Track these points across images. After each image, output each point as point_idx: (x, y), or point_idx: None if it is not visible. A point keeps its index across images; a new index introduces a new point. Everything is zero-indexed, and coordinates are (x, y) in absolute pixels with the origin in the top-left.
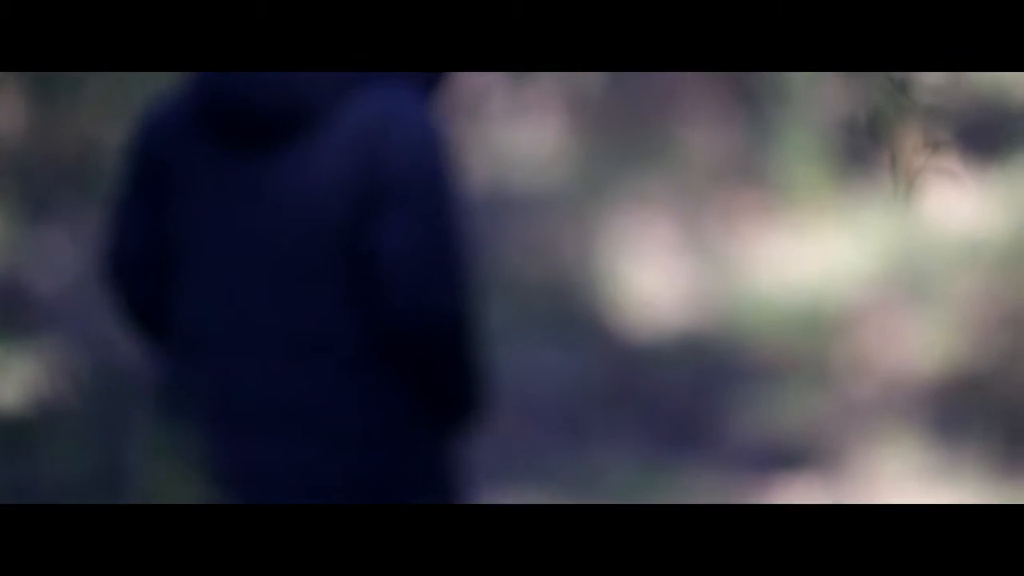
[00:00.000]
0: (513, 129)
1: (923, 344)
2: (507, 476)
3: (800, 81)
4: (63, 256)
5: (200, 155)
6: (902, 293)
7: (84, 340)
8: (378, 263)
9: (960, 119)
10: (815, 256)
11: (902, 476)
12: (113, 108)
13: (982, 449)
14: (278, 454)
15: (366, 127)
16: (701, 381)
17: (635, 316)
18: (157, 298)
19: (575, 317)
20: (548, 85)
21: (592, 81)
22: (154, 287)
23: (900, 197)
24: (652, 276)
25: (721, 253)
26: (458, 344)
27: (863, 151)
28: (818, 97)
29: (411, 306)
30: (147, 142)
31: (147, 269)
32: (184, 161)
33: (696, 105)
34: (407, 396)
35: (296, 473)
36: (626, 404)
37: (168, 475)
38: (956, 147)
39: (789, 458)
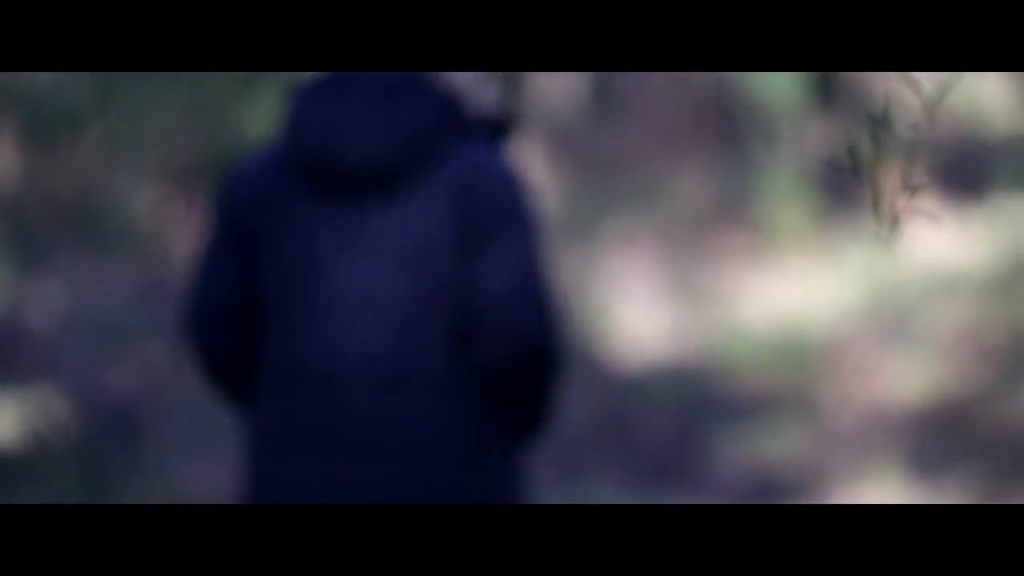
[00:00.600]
0: None
1: (904, 377)
2: None
3: (784, 118)
4: (58, 300)
5: (294, 204)
6: (884, 328)
7: (78, 382)
8: (479, 300)
9: (940, 154)
10: (798, 292)
11: None
12: (110, 155)
13: (963, 481)
14: (382, 478)
15: (461, 176)
16: (686, 415)
17: (622, 351)
18: (240, 348)
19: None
20: (534, 124)
21: (577, 121)
22: (238, 337)
23: (883, 236)
24: (639, 312)
25: (706, 289)
26: (548, 373)
27: (846, 189)
28: (802, 135)
29: (511, 339)
30: (237, 197)
31: (232, 321)
32: (277, 216)
33: (682, 144)
34: (497, 419)
35: (398, 495)
36: (612, 438)
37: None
38: (936, 184)
39: (773, 490)
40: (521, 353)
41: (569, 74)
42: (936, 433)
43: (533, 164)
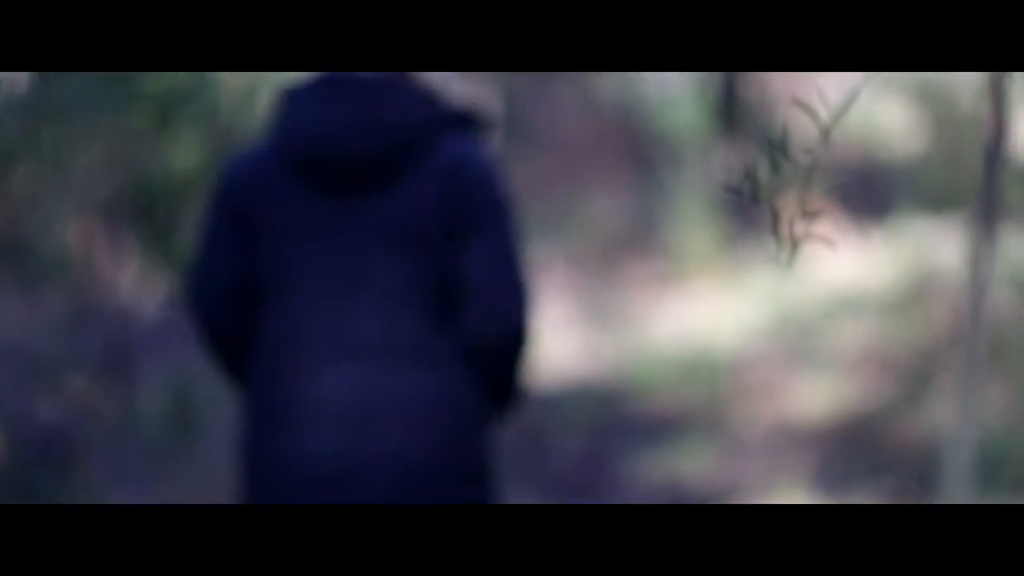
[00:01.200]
0: None
1: (809, 395)
2: None
3: (690, 145)
4: None
5: (290, 197)
6: (789, 347)
7: (5, 411)
8: (464, 282)
9: (841, 177)
10: (707, 314)
11: None
12: (37, 188)
13: (868, 495)
14: (374, 446)
15: (444, 169)
16: (599, 434)
17: (536, 372)
18: (240, 326)
19: None
20: None
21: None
22: (239, 316)
23: (782, 259)
24: (552, 335)
25: (617, 313)
26: (521, 351)
27: (753, 212)
28: (708, 161)
29: (490, 318)
30: (234, 187)
31: (234, 300)
32: (273, 203)
33: (592, 171)
34: (477, 393)
35: (390, 461)
36: (527, 457)
37: None
38: (838, 206)
39: (683, 502)
40: (500, 331)
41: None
42: (841, 449)
43: None
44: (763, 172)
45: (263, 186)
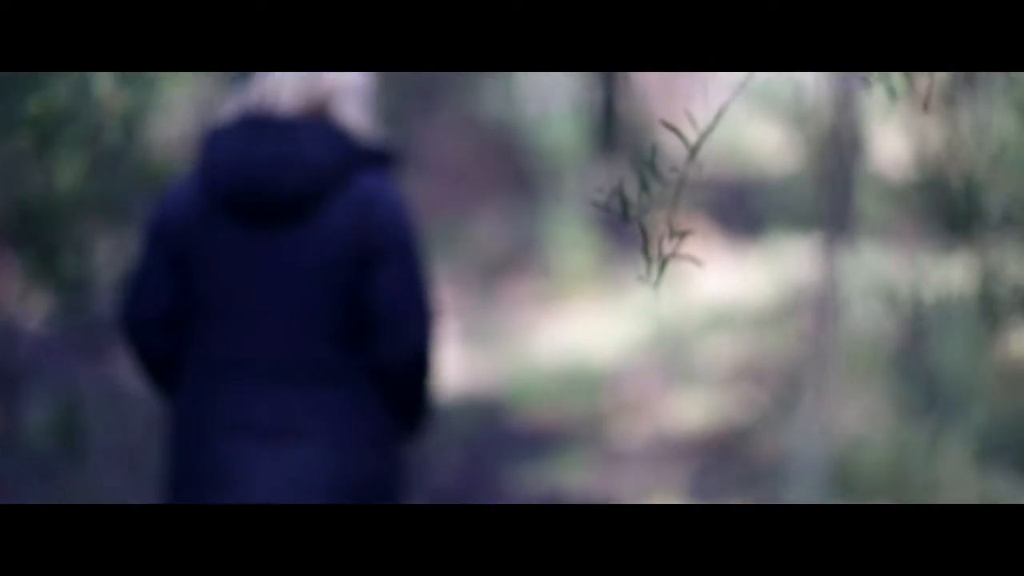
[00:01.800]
0: None
1: (686, 408)
2: None
3: (569, 164)
4: None
5: (216, 230)
6: (666, 362)
7: None
8: (373, 310)
9: (715, 195)
10: (586, 331)
11: None
12: None
13: (741, 500)
14: (287, 460)
15: (357, 203)
16: (481, 448)
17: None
18: (170, 349)
19: None
20: None
21: None
22: (169, 340)
23: (650, 279)
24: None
25: (499, 331)
26: (427, 371)
27: (630, 231)
28: (587, 180)
29: (399, 344)
30: (165, 219)
31: (164, 325)
32: (201, 235)
33: (473, 192)
34: (387, 411)
35: (302, 474)
36: (411, 468)
37: None
38: (713, 224)
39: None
40: (408, 354)
41: None
42: (716, 460)
43: None
44: (632, 190)
45: (192, 219)
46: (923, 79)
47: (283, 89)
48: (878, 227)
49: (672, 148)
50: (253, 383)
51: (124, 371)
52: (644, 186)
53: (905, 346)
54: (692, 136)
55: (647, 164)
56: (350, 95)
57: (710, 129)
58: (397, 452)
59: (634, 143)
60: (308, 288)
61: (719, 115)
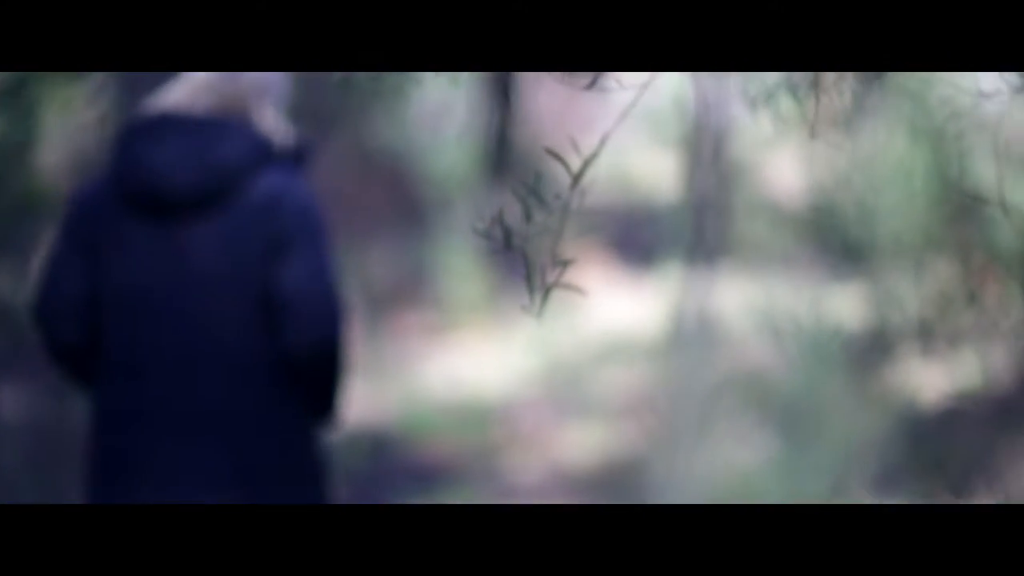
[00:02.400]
0: None
1: (579, 439)
2: None
3: (460, 192)
4: None
5: (127, 224)
6: (558, 393)
7: None
8: (279, 300)
9: (606, 223)
10: (478, 363)
11: None
12: None
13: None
14: (200, 449)
15: (264, 199)
16: (370, 479)
17: None
18: (81, 338)
19: None
20: None
21: None
22: (80, 330)
23: (533, 309)
24: None
25: (390, 363)
26: (336, 362)
27: (519, 260)
28: (478, 208)
29: (305, 333)
30: (79, 212)
31: (75, 315)
32: (112, 229)
33: (364, 222)
34: (298, 401)
35: (215, 462)
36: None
37: None
38: (602, 253)
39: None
40: (316, 341)
41: None
42: (609, 491)
43: None
44: (516, 218)
45: (103, 214)
46: (810, 105)
47: (200, 88)
48: (771, 255)
49: (562, 175)
50: (164, 376)
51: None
52: (527, 214)
53: (795, 376)
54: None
55: (530, 192)
56: (266, 95)
57: (593, 156)
58: (309, 443)
59: (527, 170)
60: (215, 282)
61: (602, 142)
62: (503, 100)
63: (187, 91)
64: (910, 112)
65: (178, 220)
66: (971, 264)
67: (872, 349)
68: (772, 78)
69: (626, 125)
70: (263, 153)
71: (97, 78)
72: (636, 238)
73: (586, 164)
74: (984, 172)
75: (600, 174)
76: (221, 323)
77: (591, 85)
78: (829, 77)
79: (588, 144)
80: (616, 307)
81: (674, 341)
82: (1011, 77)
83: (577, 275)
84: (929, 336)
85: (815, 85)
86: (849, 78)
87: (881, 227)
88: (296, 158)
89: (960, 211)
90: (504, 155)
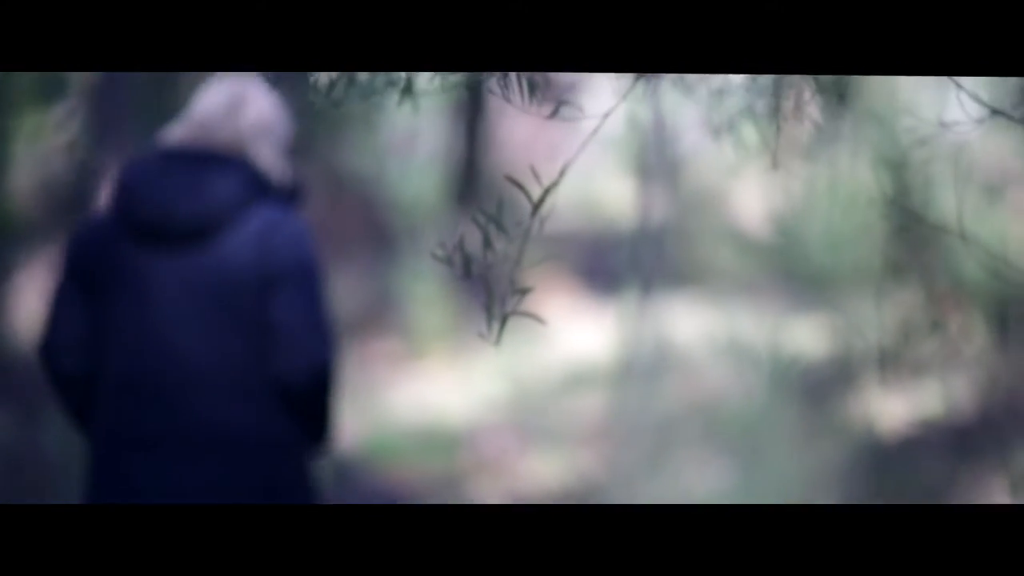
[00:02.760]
0: None
1: (544, 465)
2: None
3: (427, 218)
4: None
5: (127, 257)
6: (523, 420)
7: None
8: (274, 328)
9: (574, 247)
10: (444, 389)
11: None
12: None
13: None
14: (197, 469)
15: (258, 232)
16: (342, 502)
17: None
18: (85, 369)
19: None
20: None
21: None
22: (83, 361)
23: (492, 337)
24: None
25: (358, 390)
26: (328, 387)
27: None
28: (445, 235)
29: (298, 359)
30: (80, 249)
31: (79, 349)
32: (113, 262)
33: (336, 248)
34: (291, 423)
35: (211, 482)
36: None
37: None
38: (566, 279)
39: None
40: (308, 369)
41: None
42: (571, 504)
43: None
44: (478, 246)
45: (104, 249)
46: (771, 135)
47: (200, 127)
48: (733, 283)
49: (526, 203)
50: (163, 400)
51: None
52: (487, 242)
53: (755, 404)
54: (552, 191)
55: (490, 219)
56: (266, 135)
57: (553, 184)
58: (300, 465)
59: (494, 197)
60: (211, 310)
61: (563, 172)
62: (470, 127)
63: (188, 129)
64: (873, 140)
65: (176, 252)
66: (933, 293)
67: (833, 378)
68: (735, 106)
69: (591, 152)
70: (258, 189)
71: (66, 104)
72: (600, 265)
73: (546, 192)
74: (946, 201)
75: (565, 201)
76: (217, 349)
77: (553, 114)
78: (790, 104)
79: (553, 171)
80: (579, 334)
81: (634, 368)
82: (972, 108)
83: (539, 302)
84: (891, 365)
85: (776, 112)
86: (811, 105)
87: (843, 255)
88: (291, 194)
89: (922, 240)
90: (471, 182)
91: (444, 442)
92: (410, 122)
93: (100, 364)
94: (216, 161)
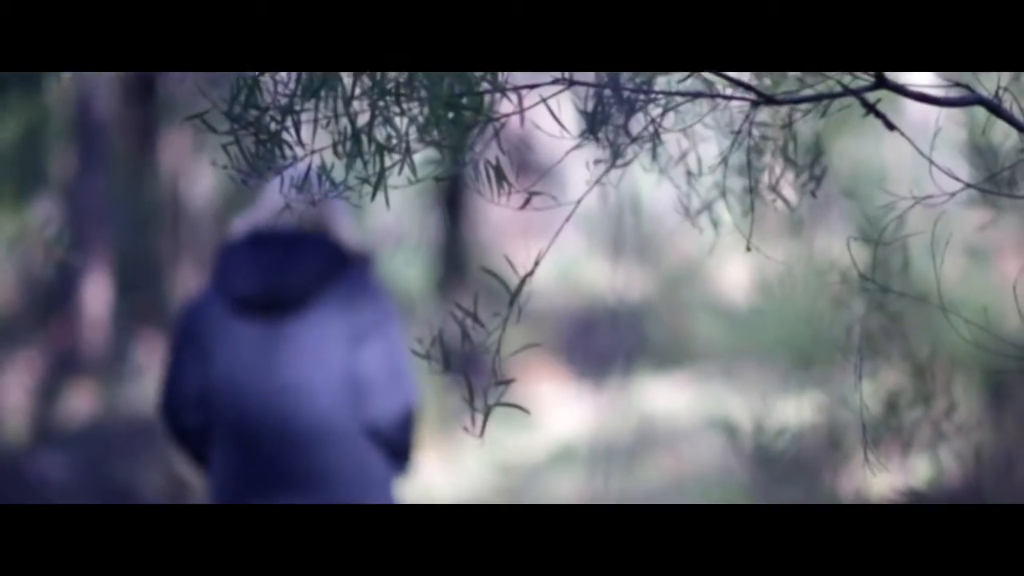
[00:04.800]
0: None
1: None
2: None
3: (413, 297)
4: None
5: (231, 325)
6: (511, 498)
7: None
8: (365, 378)
9: (562, 327)
10: (430, 469)
11: None
12: None
13: None
14: (303, 502)
15: (347, 297)
16: None
17: None
18: (201, 423)
19: None
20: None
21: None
22: (199, 417)
23: (476, 431)
24: None
25: None
26: (411, 426)
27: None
28: (428, 315)
29: (384, 405)
30: (189, 321)
31: (194, 405)
32: (219, 331)
33: None
34: (380, 458)
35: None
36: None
37: None
38: (558, 362)
39: None
40: (393, 413)
41: None
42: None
43: None
44: (456, 339)
45: (210, 320)
46: (746, 216)
47: (281, 210)
48: (717, 359)
49: (508, 287)
50: (270, 445)
51: None
52: (465, 335)
53: (742, 478)
54: (539, 274)
55: (467, 314)
56: (340, 209)
57: (529, 274)
58: (393, 491)
59: (479, 280)
60: (308, 367)
61: (538, 261)
62: (448, 212)
63: (268, 212)
64: (848, 216)
65: (274, 318)
66: (918, 365)
67: (821, 450)
68: (708, 191)
69: (573, 233)
70: (341, 259)
71: (43, 210)
72: (584, 343)
73: (522, 283)
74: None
75: (544, 280)
76: (314, 399)
77: (524, 206)
78: (764, 186)
79: (533, 250)
80: (564, 412)
81: (619, 445)
82: (946, 182)
83: (522, 384)
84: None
85: (752, 192)
86: (784, 186)
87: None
88: (366, 258)
89: (899, 313)
90: (453, 267)
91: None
92: (396, 207)
93: (214, 418)
94: (300, 238)
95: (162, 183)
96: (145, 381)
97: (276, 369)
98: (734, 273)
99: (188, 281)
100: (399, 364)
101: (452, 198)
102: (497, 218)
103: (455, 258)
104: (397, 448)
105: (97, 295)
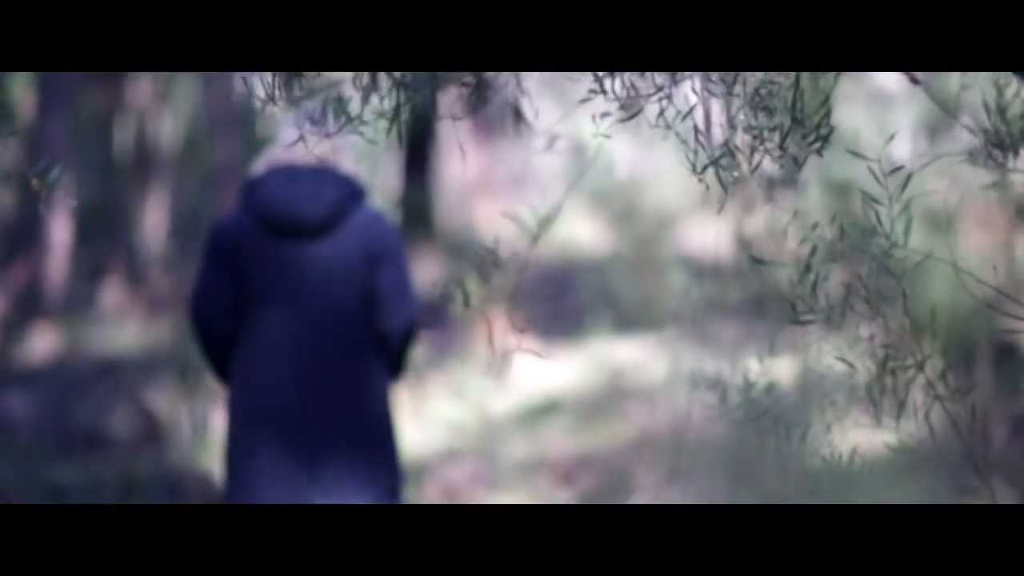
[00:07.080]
0: None
1: (509, 490)
2: None
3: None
4: None
5: (261, 244)
6: (490, 450)
7: None
8: (379, 296)
9: (546, 291)
10: (409, 420)
11: None
12: None
13: None
14: (323, 402)
15: (363, 226)
16: None
17: None
18: (229, 333)
19: None
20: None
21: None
22: (226, 328)
23: (494, 370)
24: None
25: None
26: (413, 339)
27: (462, 321)
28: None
29: (395, 318)
30: (220, 239)
31: (222, 315)
32: (252, 249)
33: None
34: (386, 366)
35: (334, 410)
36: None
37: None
38: (540, 320)
39: None
40: (405, 325)
41: None
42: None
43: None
44: (471, 284)
45: (241, 239)
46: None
47: (300, 149)
48: (700, 313)
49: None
50: (296, 355)
51: None
52: (484, 277)
53: (730, 437)
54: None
55: (489, 256)
56: (341, 144)
57: (549, 221)
58: (390, 396)
59: (451, 235)
60: (332, 284)
61: (557, 210)
62: (420, 170)
63: (289, 147)
64: (839, 174)
65: (303, 241)
66: (907, 322)
67: (804, 407)
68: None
69: (555, 187)
70: (356, 191)
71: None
72: (568, 302)
73: (541, 228)
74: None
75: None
76: (336, 313)
77: (549, 147)
78: (749, 144)
79: (506, 207)
80: (546, 367)
81: (602, 400)
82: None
83: (520, 342)
84: (863, 395)
85: (737, 151)
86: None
87: (812, 284)
88: (367, 193)
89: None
90: (424, 224)
91: (409, 474)
92: (361, 166)
93: (241, 329)
94: (323, 172)
95: (126, 128)
96: (108, 323)
97: (302, 285)
98: (721, 229)
99: (151, 225)
100: (408, 285)
101: (416, 156)
102: (460, 178)
103: (418, 215)
104: (397, 358)
105: (60, 238)
